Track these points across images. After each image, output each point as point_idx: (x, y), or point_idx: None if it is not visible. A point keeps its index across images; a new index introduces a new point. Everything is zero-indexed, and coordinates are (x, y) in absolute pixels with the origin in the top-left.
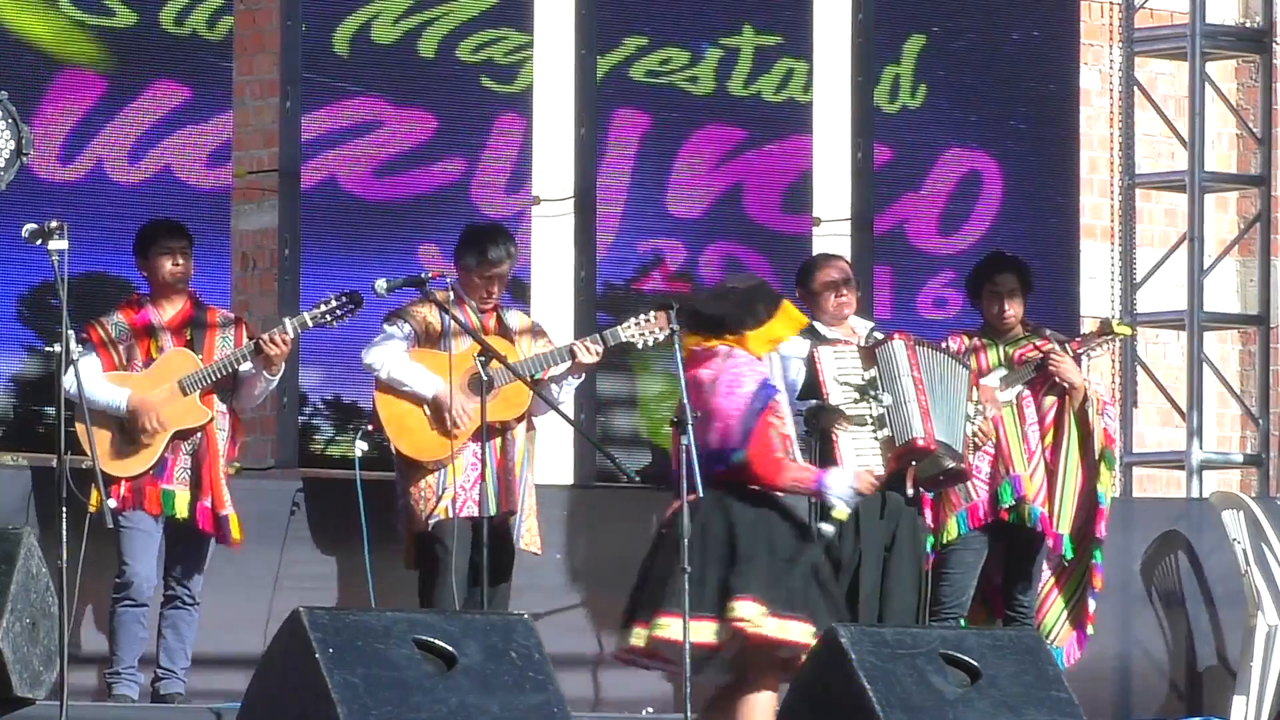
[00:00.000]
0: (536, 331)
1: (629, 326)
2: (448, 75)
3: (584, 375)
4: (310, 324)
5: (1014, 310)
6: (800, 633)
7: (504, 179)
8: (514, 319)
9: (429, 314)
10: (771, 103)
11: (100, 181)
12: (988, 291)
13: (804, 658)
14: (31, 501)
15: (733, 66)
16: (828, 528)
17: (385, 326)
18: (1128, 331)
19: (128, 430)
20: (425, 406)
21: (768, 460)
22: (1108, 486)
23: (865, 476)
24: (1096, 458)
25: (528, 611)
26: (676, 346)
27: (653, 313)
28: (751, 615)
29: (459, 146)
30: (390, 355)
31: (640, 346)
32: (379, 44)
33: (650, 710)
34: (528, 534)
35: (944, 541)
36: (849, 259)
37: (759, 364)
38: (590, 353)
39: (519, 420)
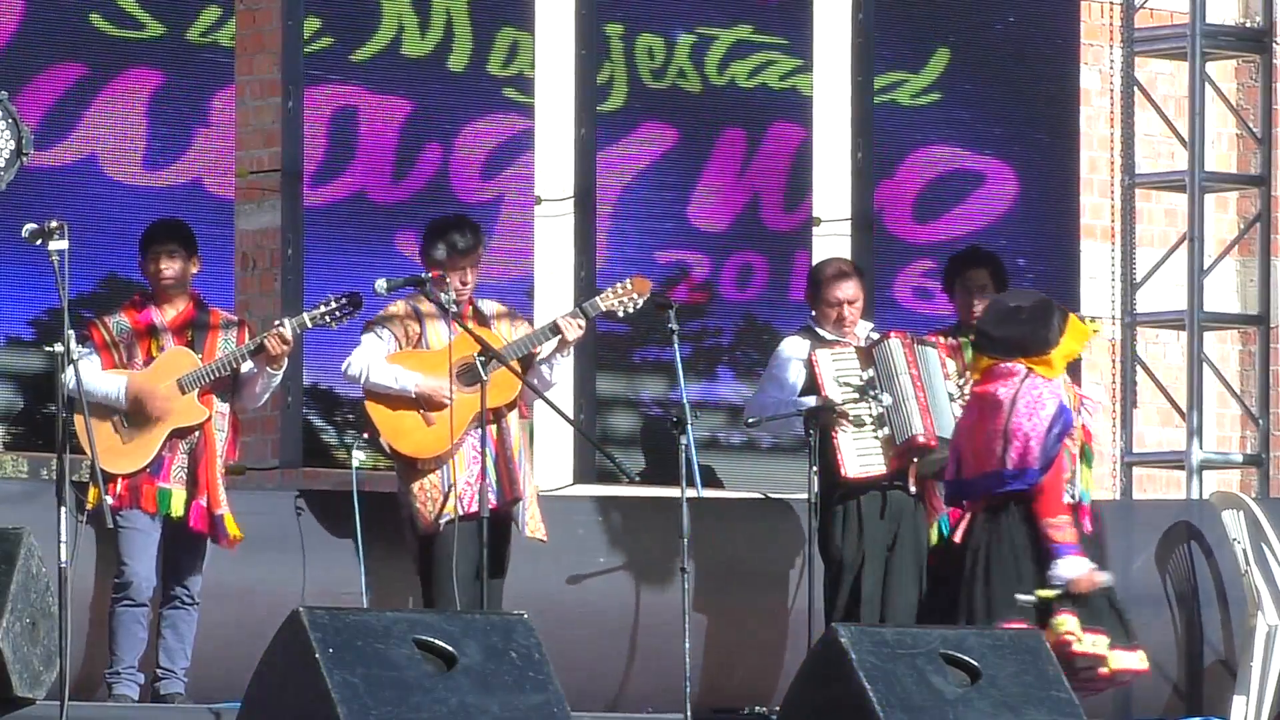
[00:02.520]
0: (513, 316)
1: (607, 296)
2: (463, 80)
3: (571, 351)
4: (310, 325)
5: (984, 305)
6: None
7: (505, 177)
8: (488, 306)
9: (408, 319)
10: (744, 88)
11: (101, 182)
12: (959, 287)
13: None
14: (32, 502)
15: (705, 52)
16: (1027, 599)
17: (364, 334)
18: (1097, 329)
19: (129, 418)
20: (416, 403)
21: (1056, 495)
22: (1090, 484)
23: (1090, 579)
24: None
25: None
26: (675, 346)
27: (628, 280)
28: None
29: (444, 137)
30: (369, 361)
31: (620, 314)
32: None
33: (650, 710)
34: (532, 521)
35: (930, 545)
36: (848, 258)
37: (1055, 385)
38: (574, 327)
39: (509, 407)
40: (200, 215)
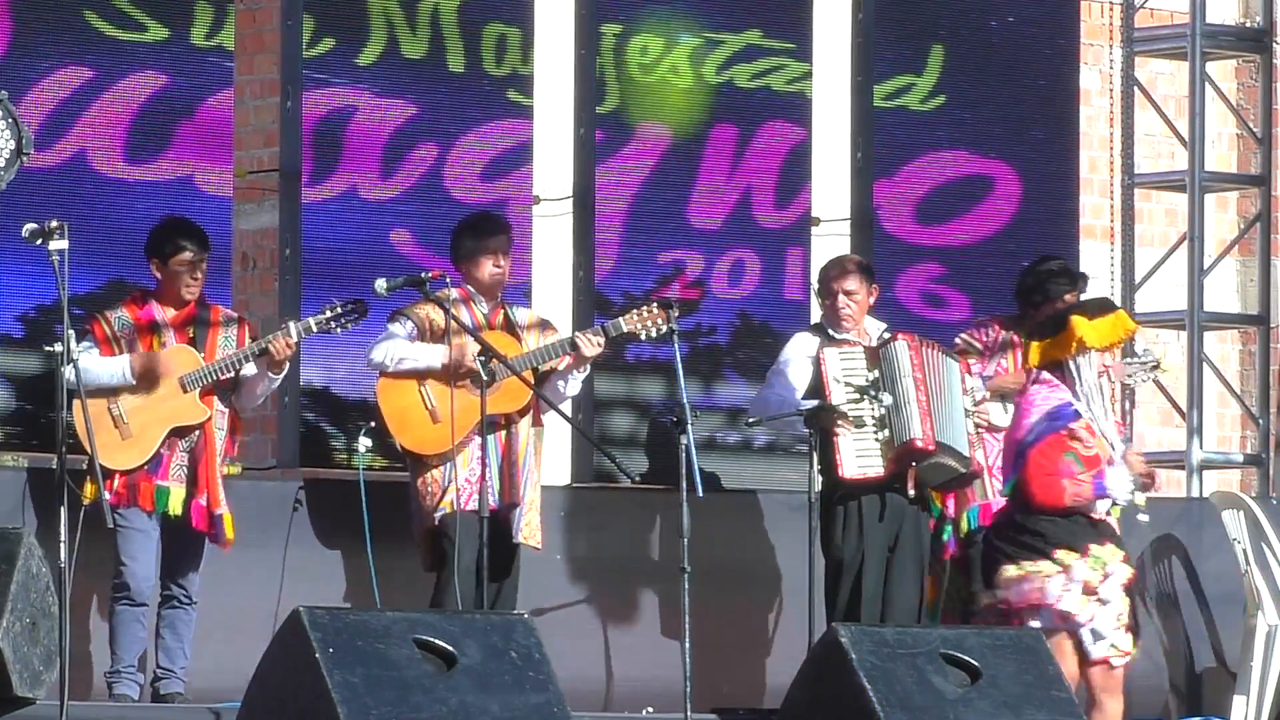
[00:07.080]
0: (544, 326)
1: (631, 318)
2: (451, 75)
3: (589, 368)
4: (314, 329)
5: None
6: None
7: (507, 178)
8: (521, 314)
9: (432, 312)
10: (744, 88)
11: (101, 182)
12: (1048, 306)
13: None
14: (31, 501)
15: (708, 54)
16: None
17: (389, 325)
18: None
19: (140, 388)
20: (427, 395)
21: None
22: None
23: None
24: None
25: (528, 610)
26: (675, 345)
27: (654, 304)
28: None
29: (445, 138)
30: (393, 346)
31: (643, 337)
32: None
33: (650, 710)
34: (527, 528)
35: (961, 535)
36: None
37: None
38: (592, 344)
39: (521, 413)
40: (198, 215)
